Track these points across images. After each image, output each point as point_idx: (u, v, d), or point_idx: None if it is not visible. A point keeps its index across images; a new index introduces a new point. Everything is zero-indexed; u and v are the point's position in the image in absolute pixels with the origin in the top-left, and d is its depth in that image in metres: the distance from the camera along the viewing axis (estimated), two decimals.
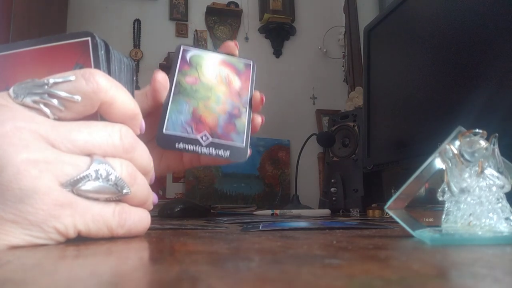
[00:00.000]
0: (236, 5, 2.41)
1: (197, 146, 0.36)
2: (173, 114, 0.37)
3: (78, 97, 0.24)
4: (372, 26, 1.07)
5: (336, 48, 2.42)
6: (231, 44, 0.43)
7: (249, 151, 0.38)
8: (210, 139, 0.36)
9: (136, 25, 2.27)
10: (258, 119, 0.41)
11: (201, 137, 0.36)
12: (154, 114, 0.38)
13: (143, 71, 2.24)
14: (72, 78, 0.24)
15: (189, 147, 0.36)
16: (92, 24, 2.15)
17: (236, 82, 0.40)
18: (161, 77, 0.38)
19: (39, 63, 0.28)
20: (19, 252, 0.20)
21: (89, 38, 0.27)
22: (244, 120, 0.39)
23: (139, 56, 2.24)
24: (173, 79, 0.38)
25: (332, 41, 2.42)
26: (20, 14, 1.64)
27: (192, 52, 0.40)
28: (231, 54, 0.42)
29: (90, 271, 0.15)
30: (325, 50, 2.42)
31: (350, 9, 2.15)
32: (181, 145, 0.36)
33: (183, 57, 0.40)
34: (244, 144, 0.37)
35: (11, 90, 0.24)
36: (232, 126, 0.38)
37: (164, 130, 0.36)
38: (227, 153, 0.36)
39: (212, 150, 0.36)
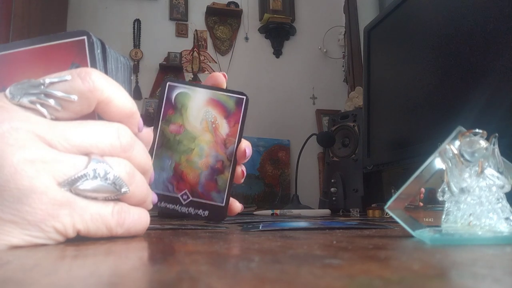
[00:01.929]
0: (236, 5, 2.42)
1: (177, 205, 0.37)
2: (155, 171, 0.37)
3: (74, 97, 0.24)
4: (372, 26, 1.07)
5: (336, 48, 2.43)
6: (219, 77, 0.39)
7: (239, 208, 0.38)
8: (190, 198, 0.37)
9: (136, 25, 2.27)
10: (238, 171, 0.39)
11: (181, 196, 0.37)
12: None
13: (143, 71, 2.24)
14: (68, 77, 0.24)
15: (170, 205, 0.37)
16: (92, 24, 2.15)
17: (223, 128, 0.38)
18: (144, 133, 0.36)
19: (35, 63, 0.28)
20: (19, 252, 0.20)
21: (85, 37, 0.27)
22: (226, 175, 0.37)
23: (139, 56, 2.24)
24: (158, 127, 0.38)
25: (332, 41, 2.42)
26: (20, 14, 1.64)
27: (179, 90, 0.38)
28: (219, 89, 0.38)
29: (90, 271, 0.15)
30: (325, 50, 2.42)
31: (350, 9, 2.15)
32: (163, 204, 0.37)
33: (168, 97, 0.38)
34: (224, 203, 0.37)
35: (7, 91, 0.24)
36: (213, 184, 0.37)
37: None
38: (206, 213, 0.37)
39: (191, 210, 0.37)
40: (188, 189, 0.37)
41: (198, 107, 0.38)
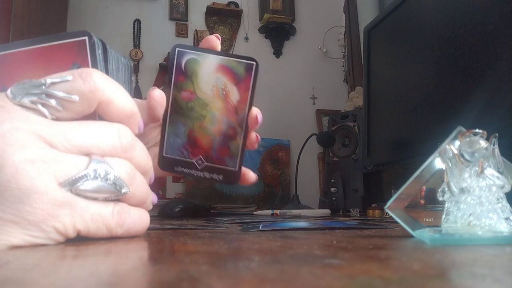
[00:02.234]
0: (236, 5, 2.42)
1: (193, 169, 0.38)
2: (170, 136, 0.39)
3: (75, 97, 0.24)
4: (372, 26, 1.07)
5: (336, 48, 2.42)
6: (213, 40, 0.39)
7: (254, 178, 0.39)
8: (205, 163, 0.38)
9: (136, 25, 2.27)
10: (253, 136, 0.39)
11: (196, 161, 0.38)
12: (151, 126, 0.40)
13: (143, 71, 2.24)
14: (70, 78, 0.24)
15: (186, 170, 0.38)
16: (92, 24, 2.15)
17: (234, 95, 0.38)
18: (157, 95, 0.37)
19: (36, 63, 0.28)
20: (19, 252, 0.20)
21: (86, 38, 0.27)
22: (239, 141, 0.38)
23: (139, 56, 2.24)
24: (169, 94, 0.38)
25: (332, 41, 2.42)
26: (20, 14, 1.64)
27: (188, 56, 0.38)
28: (228, 54, 0.38)
29: (90, 271, 0.15)
30: (325, 50, 2.42)
31: (350, 9, 2.15)
32: (179, 169, 0.38)
33: (178, 63, 0.38)
34: (237, 168, 0.38)
35: (9, 91, 0.24)
36: (226, 149, 0.38)
37: (164, 153, 0.39)
38: (220, 177, 0.38)
39: (206, 174, 0.38)
40: (202, 154, 0.38)
41: (208, 73, 0.38)
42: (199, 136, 0.38)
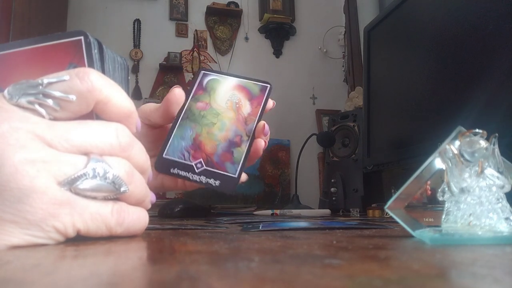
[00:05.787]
0: (236, 5, 2.42)
1: (190, 172, 0.38)
2: (175, 139, 0.39)
3: (73, 97, 0.24)
4: (372, 26, 1.07)
5: (336, 48, 2.43)
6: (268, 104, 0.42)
7: (243, 178, 0.39)
8: (204, 166, 0.38)
9: (136, 25, 2.27)
10: (261, 142, 0.40)
11: (195, 164, 0.38)
12: (161, 129, 0.41)
13: (143, 71, 2.24)
14: (66, 77, 0.24)
15: (182, 172, 0.38)
16: (92, 24, 2.15)
17: (246, 108, 0.40)
18: (177, 91, 0.39)
19: (32, 63, 0.27)
20: (19, 252, 0.20)
21: (82, 37, 0.27)
22: (243, 149, 0.39)
23: (139, 56, 2.24)
24: (186, 104, 0.40)
25: (332, 41, 2.42)
26: (20, 14, 1.64)
27: (211, 77, 0.41)
28: (247, 78, 0.42)
29: (90, 271, 0.15)
30: (325, 50, 2.42)
31: (350, 9, 2.15)
32: (175, 171, 0.38)
33: (201, 82, 0.41)
34: (236, 174, 0.38)
35: (5, 92, 0.24)
36: (229, 155, 0.38)
37: (163, 155, 0.38)
38: (217, 182, 0.37)
39: (203, 178, 0.38)
40: (203, 158, 0.38)
41: (226, 90, 0.41)
42: (204, 141, 0.39)
